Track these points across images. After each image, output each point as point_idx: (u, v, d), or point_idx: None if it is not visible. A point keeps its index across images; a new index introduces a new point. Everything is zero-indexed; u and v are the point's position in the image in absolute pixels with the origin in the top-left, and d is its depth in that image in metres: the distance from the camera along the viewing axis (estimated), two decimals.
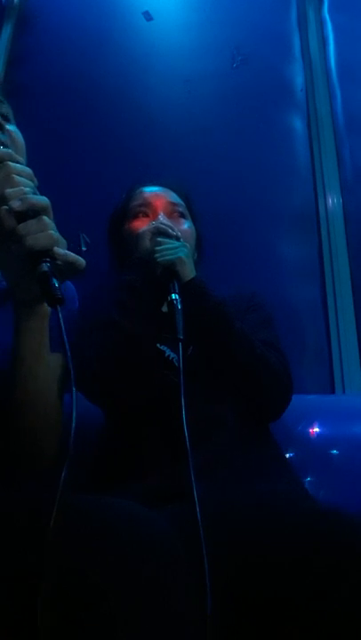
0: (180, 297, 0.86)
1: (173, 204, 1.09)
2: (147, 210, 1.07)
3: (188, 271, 0.92)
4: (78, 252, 0.75)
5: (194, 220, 1.13)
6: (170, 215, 1.06)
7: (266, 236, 1.50)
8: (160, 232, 0.97)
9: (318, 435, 1.07)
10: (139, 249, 0.97)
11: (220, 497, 0.59)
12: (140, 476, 0.79)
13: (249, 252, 1.38)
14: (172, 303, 0.85)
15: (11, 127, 0.81)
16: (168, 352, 0.91)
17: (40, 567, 0.41)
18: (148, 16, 1.78)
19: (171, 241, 0.95)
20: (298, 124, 1.67)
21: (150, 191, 1.11)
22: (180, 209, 1.09)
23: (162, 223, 1.00)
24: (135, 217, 1.08)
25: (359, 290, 1.47)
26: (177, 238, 0.98)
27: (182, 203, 1.11)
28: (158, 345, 0.91)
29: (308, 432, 1.07)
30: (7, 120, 0.81)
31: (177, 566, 0.48)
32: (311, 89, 1.74)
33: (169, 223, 1.00)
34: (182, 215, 1.09)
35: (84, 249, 1.49)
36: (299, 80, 1.73)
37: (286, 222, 1.53)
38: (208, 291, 0.92)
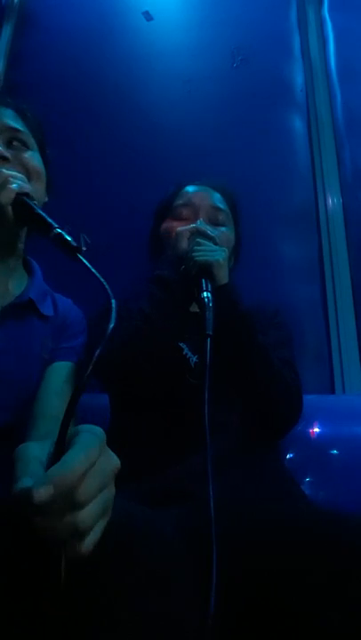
0: (211, 297, 0.86)
1: (216, 209, 1.08)
2: (188, 211, 1.07)
3: (223, 276, 0.91)
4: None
5: (236, 226, 1.13)
6: (210, 219, 1.06)
7: (266, 236, 1.49)
8: (199, 232, 0.98)
9: (318, 435, 1.07)
10: (176, 247, 0.97)
11: (222, 499, 0.59)
12: (141, 476, 0.79)
13: (249, 252, 1.38)
14: (202, 301, 0.85)
15: (26, 154, 0.85)
16: (186, 350, 0.92)
17: (40, 569, 0.41)
18: (148, 16, 1.77)
19: (210, 243, 0.95)
20: (298, 124, 1.67)
21: (195, 191, 1.11)
22: (222, 215, 1.09)
23: (202, 224, 1.00)
24: (176, 217, 1.08)
25: (359, 290, 1.47)
26: (215, 242, 0.98)
27: (225, 208, 1.11)
28: (179, 342, 0.93)
29: (308, 432, 1.07)
30: (26, 147, 0.86)
31: (177, 567, 0.48)
32: (311, 89, 1.73)
33: (208, 227, 1.01)
34: (223, 221, 1.09)
35: (84, 249, 1.49)
36: (299, 80, 1.73)
37: (286, 222, 1.53)
38: (238, 299, 0.92)
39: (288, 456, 1.04)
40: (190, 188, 1.12)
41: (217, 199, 1.10)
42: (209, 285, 0.88)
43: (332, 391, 1.38)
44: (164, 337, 0.88)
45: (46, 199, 0.93)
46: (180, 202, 1.10)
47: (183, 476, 0.74)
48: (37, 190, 0.84)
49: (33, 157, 0.87)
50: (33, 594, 0.41)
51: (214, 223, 1.07)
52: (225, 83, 1.68)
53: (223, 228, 1.07)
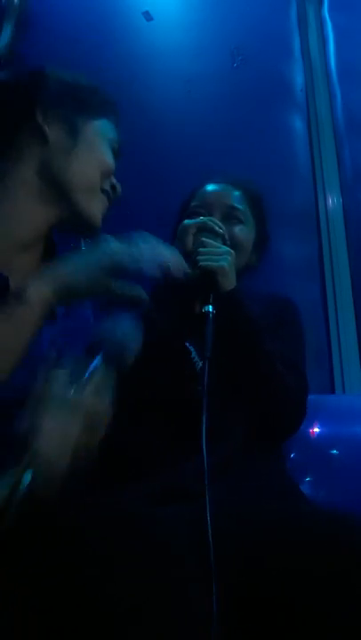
0: (214, 308, 0.82)
1: (232, 208, 1.03)
2: (203, 211, 1.02)
3: (229, 282, 0.87)
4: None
5: (259, 225, 1.09)
6: (225, 218, 1.01)
7: None
8: (206, 228, 0.93)
9: (318, 435, 1.07)
10: (181, 243, 0.92)
11: (224, 500, 0.59)
12: (145, 475, 0.78)
13: None
14: (204, 315, 0.81)
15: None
16: (194, 354, 0.89)
17: (42, 569, 0.41)
18: (148, 16, 1.77)
19: (216, 244, 0.90)
20: (298, 124, 1.67)
21: (212, 190, 1.07)
22: (239, 214, 1.03)
23: (210, 220, 0.95)
24: (190, 217, 1.02)
25: (359, 290, 1.47)
26: (223, 239, 0.93)
27: (243, 207, 1.05)
28: (187, 344, 0.89)
29: (308, 432, 1.07)
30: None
31: (179, 567, 0.48)
32: (311, 89, 1.74)
33: (218, 222, 0.95)
34: (239, 220, 1.03)
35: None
36: (299, 80, 1.73)
37: (286, 222, 1.53)
38: (244, 305, 0.88)
39: (288, 456, 1.04)
40: (209, 187, 1.07)
41: (235, 197, 1.05)
42: (211, 297, 0.83)
43: (333, 391, 1.38)
44: (168, 337, 0.88)
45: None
46: (196, 202, 1.06)
47: (185, 475, 0.74)
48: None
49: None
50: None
51: (229, 221, 1.02)
52: (225, 83, 1.68)
53: (238, 227, 1.02)
